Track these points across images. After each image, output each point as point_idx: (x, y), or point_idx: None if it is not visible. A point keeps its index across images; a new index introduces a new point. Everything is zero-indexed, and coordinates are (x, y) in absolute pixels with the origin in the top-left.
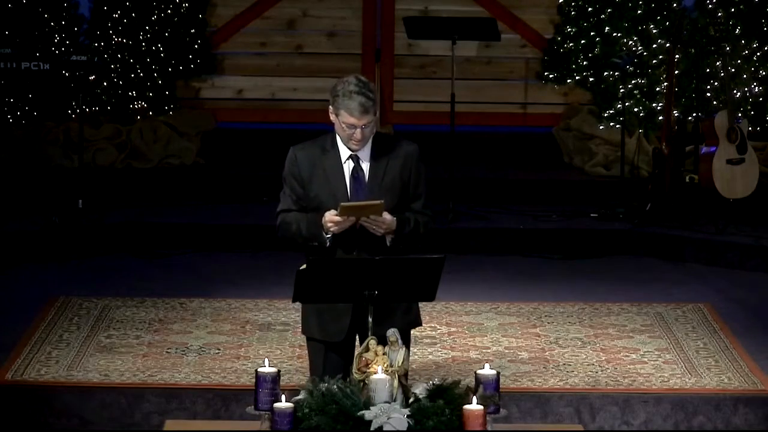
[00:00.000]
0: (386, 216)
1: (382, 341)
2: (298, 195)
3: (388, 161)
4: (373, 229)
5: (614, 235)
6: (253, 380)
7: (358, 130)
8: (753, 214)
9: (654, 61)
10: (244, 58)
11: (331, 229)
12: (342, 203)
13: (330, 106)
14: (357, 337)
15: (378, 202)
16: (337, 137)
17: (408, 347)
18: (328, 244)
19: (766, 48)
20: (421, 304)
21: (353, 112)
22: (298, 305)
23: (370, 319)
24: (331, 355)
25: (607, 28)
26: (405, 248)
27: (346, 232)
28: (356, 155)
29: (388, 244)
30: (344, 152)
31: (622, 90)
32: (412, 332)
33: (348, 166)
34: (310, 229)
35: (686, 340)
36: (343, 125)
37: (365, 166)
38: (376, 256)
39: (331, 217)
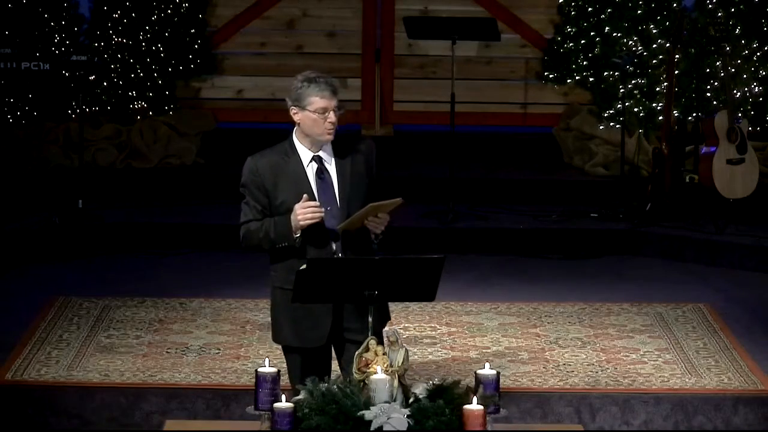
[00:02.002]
0: (387, 214)
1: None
2: (262, 205)
3: (352, 158)
4: (375, 227)
5: (614, 235)
6: (253, 380)
7: (331, 113)
8: (753, 214)
9: (654, 61)
10: (244, 58)
11: (301, 223)
12: (371, 203)
13: (292, 106)
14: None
15: (399, 200)
16: (295, 140)
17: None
18: (298, 243)
19: (766, 48)
20: (420, 305)
21: (324, 93)
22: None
23: (370, 319)
24: (309, 362)
25: (607, 28)
26: (382, 245)
27: (320, 234)
28: (319, 156)
29: (375, 243)
30: (306, 155)
31: (622, 90)
32: (412, 332)
33: (312, 168)
34: (279, 230)
35: (686, 340)
36: (315, 114)
37: (330, 166)
38: (375, 257)
39: (301, 204)
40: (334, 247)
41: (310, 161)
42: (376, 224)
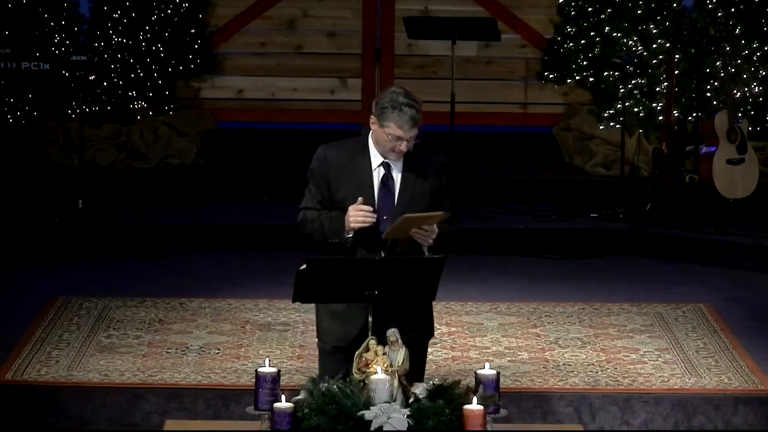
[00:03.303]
0: (434, 226)
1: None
2: (323, 195)
3: (421, 172)
4: (422, 239)
5: (614, 235)
6: (253, 380)
7: (405, 142)
8: (753, 214)
9: (654, 61)
10: (244, 58)
11: (352, 225)
12: (405, 215)
13: (373, 116)
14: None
15: (439, 213)
16: (370, 142)
17: (425, 358)
18: (349, 243)
19: (766, 48)
20: None
21: (403, 125)
22: (298, 305)
23: (370, 319)
24: (344, 362)
25: (607, 28)
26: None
27: (373, 239)
28: (388, 163)
29: (426, 254)
30: (376, 158)
31: (622, 90)
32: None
33: (378, 173)
34: (333, 225)
35: (686, 340)
36: (389, 137)
37: (396, 174)
38: (375, 257)
39: (355, 206)
40: (383, 254)
41: (379, 165)
42: (423, 237)
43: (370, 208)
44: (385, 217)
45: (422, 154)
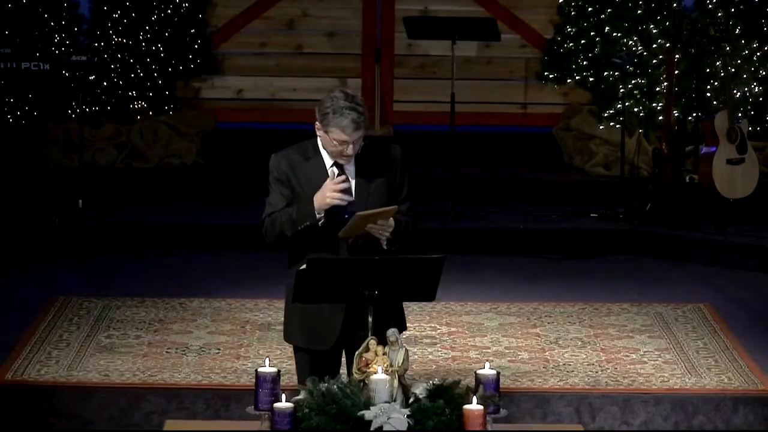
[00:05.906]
0: (391, 220)
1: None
2: (287, 197)
3: (374, 167)
4: (379, 234)
5: (614, 235)
6: (253, 380)
7: (350, 145)
8: (753, 214)
9: (654, 61)
10: (244, 58)
11: (328, 201)
12: (358, 213)
13: (317, 122)
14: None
15: (392, 207)
16: (320, 143)
17: None
18: (320, 222)
19: (766, 48)
20: (421, 305)
21: (346, 129)
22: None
23: (370, 319)
24: (318, 363)
25: (607, 28)
26: (396, 250)
27: (336, 237)
28: (340, 163)
29: (384, 247)
30: (328, 159)
31: (622, 90)
32: (412, 332)
33: (332, 173)
34: (301, 209)
35: (686, 340)
36: (334, 142)
37: (350, 172)
38: (375, 257)
39: (332, 180)
40: (347, 252)
41: (332, 166)
42: (380, 232)
43: (344, 177)
44: (346, 216)
45: (373, 149)
